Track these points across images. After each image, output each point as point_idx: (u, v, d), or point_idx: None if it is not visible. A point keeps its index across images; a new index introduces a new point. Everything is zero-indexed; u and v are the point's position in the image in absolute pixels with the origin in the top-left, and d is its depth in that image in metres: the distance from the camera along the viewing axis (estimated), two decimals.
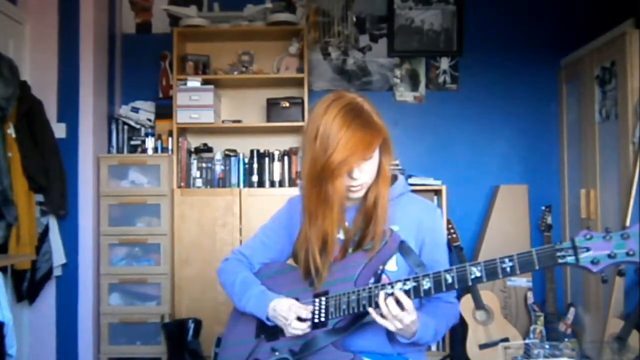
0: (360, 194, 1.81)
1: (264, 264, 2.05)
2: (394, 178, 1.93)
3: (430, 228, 1.89)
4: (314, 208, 1.80)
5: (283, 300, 1.83)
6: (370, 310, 1.68)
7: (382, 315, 1.67)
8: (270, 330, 1.87)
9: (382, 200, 1.80)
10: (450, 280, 1.62)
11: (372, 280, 1.78)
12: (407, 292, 1.65)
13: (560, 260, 1.50)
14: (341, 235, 1.85)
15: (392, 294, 1.66)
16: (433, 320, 1.78)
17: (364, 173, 1.76)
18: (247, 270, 2.04)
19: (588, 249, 1.48)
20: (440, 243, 1.92)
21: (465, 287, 3.98)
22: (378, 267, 1.79)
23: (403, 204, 1.89)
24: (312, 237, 1.81)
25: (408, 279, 1.67)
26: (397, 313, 1.63)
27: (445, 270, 1.63)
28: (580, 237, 1.49)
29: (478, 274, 1.59)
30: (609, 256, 1.46)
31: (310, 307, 1.78)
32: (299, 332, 1.76)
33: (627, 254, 1.45)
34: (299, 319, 1.76)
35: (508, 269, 1.56)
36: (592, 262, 1.47)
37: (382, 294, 1.67)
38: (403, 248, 1.80)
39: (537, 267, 1.53)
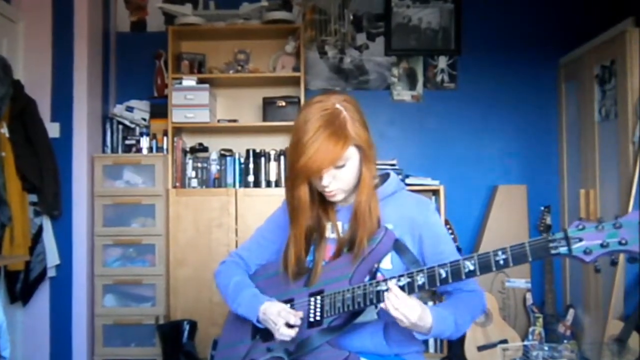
0: (338, 198, 1.82)
1: (261, 265, 2.06)
2: (386, 176, 1.93)
3: (424, 222, 1.87)
4: (290, 212, 1.86)
5: (274, 304, 1.84)
6: (381, 305, 1.68)
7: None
8: (266, 331, 1.86)
9: (362, 206, 1.79)
10: (444, 275, 1.62)
11: (367, 279, 1.77)
12: (401, 288, 1.65)
13: (553, 251, 1.49)
14: (333, 235, 1.86)
15: (388, 289, 1.66)
16: (452, 312, 1.75)
17: (336, 180, 1.77)
18: (242, 272, 2.04)
19: (580, 239, 1.46)
20: (440, 234, 1.89)
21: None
22: (373, 265, 1.78)
23: (396, 202, 1.88)
24: (290, 239, 1.86)
25: (402, 275, 1.67)
26: (398, 306, 1.63)
27: (439, 265, 1.63)
28: (572, 228, 1.48)
29: (472, 268, 1.60)
30: (602, 245, 1.45)
31: (300, 313, 1.78)
32: (287, 338, 1.76)
33: (620, 243, 1.43)
34: (288, 324, 1.76)
35: (501, 262, 1.57)
36: (585, 252, 1.46)
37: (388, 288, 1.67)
38: (398, 246, 1.79)
39: (530, 259, 1.53)
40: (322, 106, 1.73)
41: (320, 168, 1.70)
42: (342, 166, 1.74)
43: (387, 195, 1.87)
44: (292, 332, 1.75)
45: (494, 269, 1.58)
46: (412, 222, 1.85)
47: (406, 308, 1.62)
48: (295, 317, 1.76)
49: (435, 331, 1.69)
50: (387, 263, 1.81)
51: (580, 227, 1.48)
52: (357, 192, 1.81)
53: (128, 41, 4.64)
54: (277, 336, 1.77)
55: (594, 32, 3.99)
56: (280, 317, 1.77)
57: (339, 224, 1.87)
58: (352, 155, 1.74)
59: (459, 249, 4.04)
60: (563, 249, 1.48)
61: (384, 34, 4.62)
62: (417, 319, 1.62)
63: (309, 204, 1.81)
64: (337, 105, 1.73)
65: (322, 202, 1.86)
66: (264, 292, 1.92)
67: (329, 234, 1.87)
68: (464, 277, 1.60)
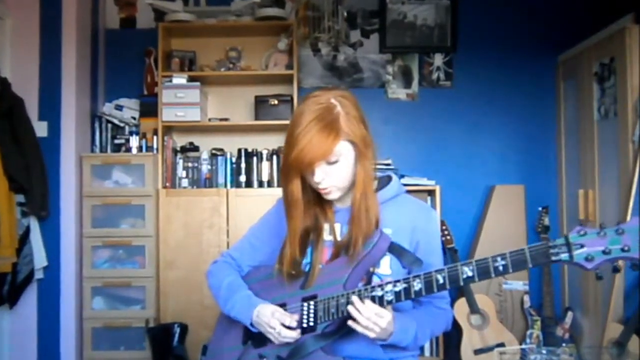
0: (333, 196, 1.79)
1: (253, 267, 2.03)
2: (388, 179, 1.91)
3: (425, 230, 1.86)
4: (285, 209, 1.83)
5: (267, 306, 1.81)
6: (350, 321, 1.67)
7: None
8: (257, 337, 1.84)
9: (356, 205, 1.76)
10: (441, 281, 1.60)
11: (362, 283, 1.75)
12: (397, 294, 1.64)
13: (553, 258, 1.46)
14: (329, 237, 1.83)
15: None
16: (415, 324, 1.76)
17: (329, 177, 1.74)
18: (234, 273, 2.02)
19: (582, 246, 1.43)
20: (435, 247, 1.89)
21: (458, 288, 3.95)
22: (368, 269, 1.76)
23: (397, 205, 1.86)
24: (288, 238, 1.82)
25: (398, 281, 1.65)
26: (369, 316, 1.64)
27: (436, 271, 1.62)
28: (573, 234, 1.45)
29: (470, 274, 1.57)
30: (604, 252, 1.42)
31: (296, 316, 1.76)
32: (290, 340, 1.74)
33: (622, 250, 1.41)
34: (285, 326, 1.74)
35: (500, 268, 1.54)
36: (586, 259, 1.43)
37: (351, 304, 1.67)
38: (394, 249, 1.77)
39: (530, 265, 1.50)
40: (317, 100, 1.72)
41: (312, 162, 1.68)
42: (335, 162, 1.71)
43: (387, 198, 1.85)
44: (295, 334, 1.73)
45: (492, 275, 1.55)
46: (412, 228, 1.84)
47: (373, 321, 1.64)
48: (290, 319, 1.74)
49: (394, 339, 1.70)
50: (386, 268, 1.78)
51: (582, 232, 1.45)
52: (353, 191, 1.78)
53: (117, 38, 4.58)
54: (280, 339, 1.74)
55: (593, 29, 3.94)
56: (274, 319, 1.74)
57: (337, 225, 1.84)
58: (345, 151, 1.72)
59: (455, 251, 4.07)
60: (564, 256, 1.45)
61: (379, 30, 4.57)
62: (387, 325, 1.65)
63: (301, 200, 1.78)
64: (332, 100, 1.72)
65: (320, 203, 1.84)
66: (257, 295, 1.90)
67: (326, 235, 1.84)
68: (461, 283, 1.58)
